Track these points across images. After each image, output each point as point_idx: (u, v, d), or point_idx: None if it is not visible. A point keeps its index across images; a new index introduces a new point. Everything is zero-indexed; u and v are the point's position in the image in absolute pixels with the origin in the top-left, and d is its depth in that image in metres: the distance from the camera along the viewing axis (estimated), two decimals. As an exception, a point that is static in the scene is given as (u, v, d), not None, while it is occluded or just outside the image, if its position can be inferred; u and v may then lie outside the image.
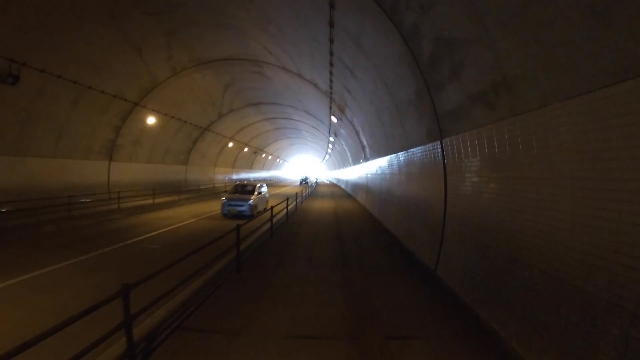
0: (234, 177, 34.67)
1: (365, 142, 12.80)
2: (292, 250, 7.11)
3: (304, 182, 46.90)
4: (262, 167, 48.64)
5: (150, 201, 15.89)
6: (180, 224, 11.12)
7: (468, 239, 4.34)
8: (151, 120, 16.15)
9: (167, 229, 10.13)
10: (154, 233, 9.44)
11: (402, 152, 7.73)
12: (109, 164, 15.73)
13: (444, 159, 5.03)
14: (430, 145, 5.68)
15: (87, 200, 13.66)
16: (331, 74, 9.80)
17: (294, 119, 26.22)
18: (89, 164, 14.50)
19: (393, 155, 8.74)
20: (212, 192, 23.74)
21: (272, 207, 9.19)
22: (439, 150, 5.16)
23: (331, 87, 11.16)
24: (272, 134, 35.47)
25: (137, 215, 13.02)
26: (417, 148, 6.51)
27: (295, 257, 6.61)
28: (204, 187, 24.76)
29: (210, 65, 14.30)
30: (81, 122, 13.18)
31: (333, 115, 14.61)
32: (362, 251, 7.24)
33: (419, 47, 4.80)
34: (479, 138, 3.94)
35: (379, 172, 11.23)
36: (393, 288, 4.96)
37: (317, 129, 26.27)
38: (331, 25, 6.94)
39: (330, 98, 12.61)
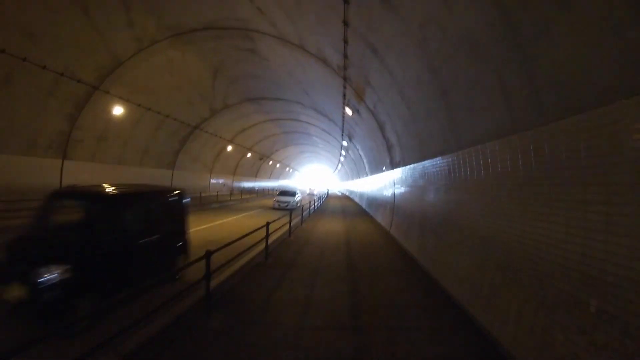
0: (235, 185, 31.25)
1: (393, 140, 8.87)
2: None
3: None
4: (270, 176, 45.19)
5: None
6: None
7: None
8: (119, 110, 12.85)
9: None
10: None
11: (508, 138, 3.63)
12: (62, 163, 12.44)
13: None
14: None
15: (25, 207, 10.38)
16: (346, 24, 6.06)
17: (301, 121, 22.67)
18: (32, 161, 11.23)
19: (467, 149, 4.68)
20: (198, 202, 20.13)
21: (208, 252, 4.06)
22: None
23: (345, 55, 7.42)
24: (280, 139, 32.05)
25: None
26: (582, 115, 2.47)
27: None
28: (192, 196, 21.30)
29: (188, 37, 10.92)
30: (17, 105, 9.96)
31: (347, 106, 10.85)
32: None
33: None
34: None
35: (421, 183, 7.07)
36: None
37: (328, 133, 22.62)
38: None
39: (344, 77, 8.87)
